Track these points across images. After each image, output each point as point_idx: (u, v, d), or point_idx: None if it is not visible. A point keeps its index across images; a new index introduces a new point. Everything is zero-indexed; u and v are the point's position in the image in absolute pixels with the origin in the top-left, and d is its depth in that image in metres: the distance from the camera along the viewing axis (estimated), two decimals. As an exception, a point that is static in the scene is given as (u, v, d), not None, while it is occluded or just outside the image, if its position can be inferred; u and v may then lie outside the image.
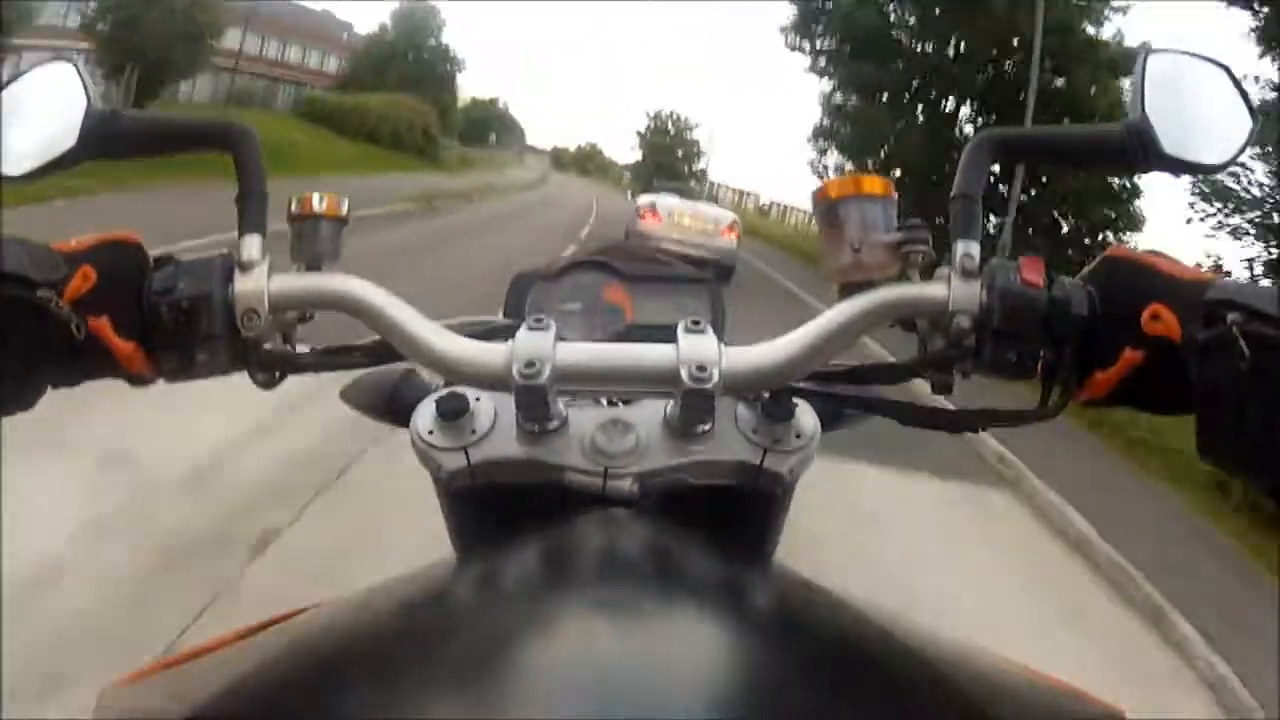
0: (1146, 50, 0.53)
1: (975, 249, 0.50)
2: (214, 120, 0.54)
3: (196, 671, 0.42)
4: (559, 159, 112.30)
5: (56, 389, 0.49)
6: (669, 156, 74.23)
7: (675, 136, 76.58)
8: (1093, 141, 0.54)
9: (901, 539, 3.73)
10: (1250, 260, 8.16)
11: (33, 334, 0.45)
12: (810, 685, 0.33)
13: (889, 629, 0.43)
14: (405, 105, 28.28)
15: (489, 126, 70.10)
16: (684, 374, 0.49)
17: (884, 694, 0.35)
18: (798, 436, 0.56)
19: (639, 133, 78.56)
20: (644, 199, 13.29)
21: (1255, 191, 8.05)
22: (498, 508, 0.55)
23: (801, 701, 0.32)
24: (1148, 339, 0.46)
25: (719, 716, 0.30)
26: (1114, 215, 14.75)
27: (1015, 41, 14.67)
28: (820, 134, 18.80)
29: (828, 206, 0.53)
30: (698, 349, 0.50)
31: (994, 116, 15.74)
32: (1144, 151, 0.51)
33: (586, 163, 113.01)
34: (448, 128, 36.04)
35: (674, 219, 12.20)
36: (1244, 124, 0.53)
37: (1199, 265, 0.49)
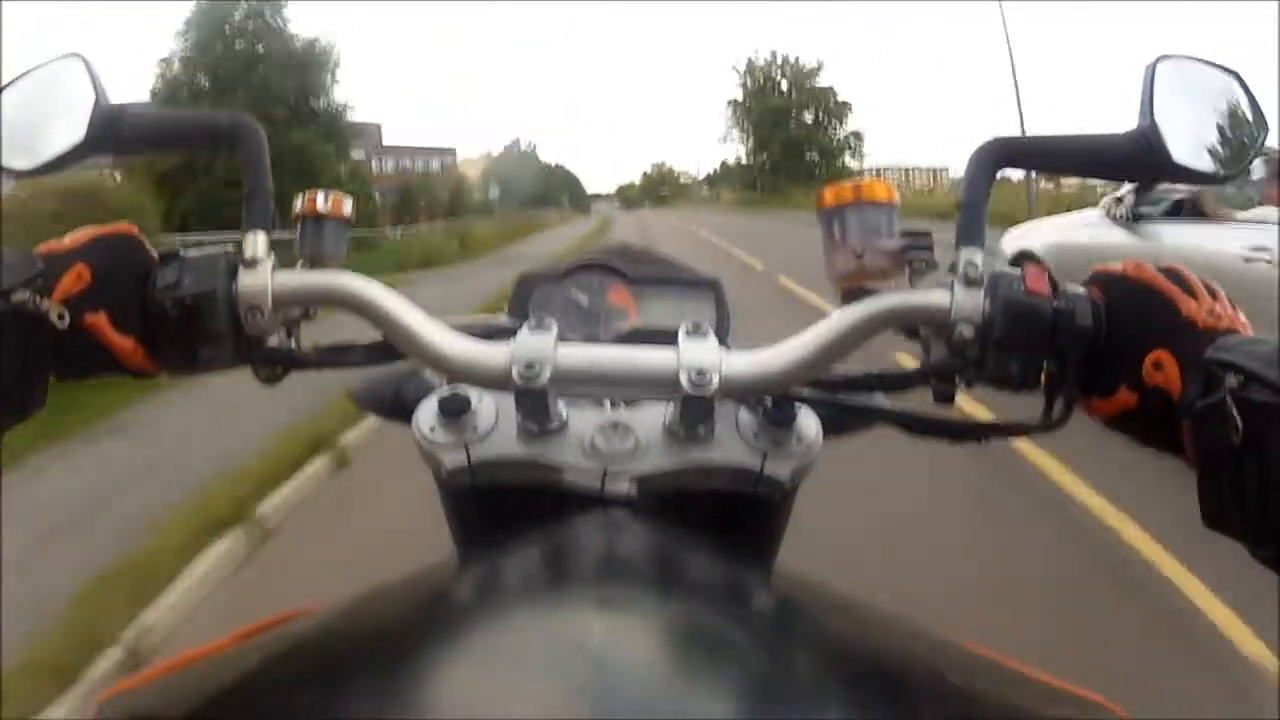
0: (1156, 56, 0.52)
1: (979, 256, 0.49)
2: (220, 116, 0.54)
3: (196, 675, 0.42)
4: (626, 196, 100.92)
5: (62, 381, 0.49)
6: (799, 129, 51.19)
7: (797, 92, 50.79)
8: (1100, 149, 0.52)
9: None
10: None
11: (19, 337, 0.46)
12: (807, 686, 0.34)
13: (887, 630, 0.44)
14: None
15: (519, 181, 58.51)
16: (683, 379, 0.49)
17: (883, 696, 0.35)
18: (798, 442, 0.56)
19: (734, 102, 54.03)
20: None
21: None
22: (497, 506, 0.55)
23: (799, 702, 0.32)
24: (1146, 386, 0.46)
25: (717, 717, 0.30)
26: None
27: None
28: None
29: (831, 212, 0.53)
30: (698, 354, 0.50)
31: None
32: (1153, 159, 0.50)
33: (659, 189, 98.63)
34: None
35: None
36: (1256, 132, 0.52)
37: (1218, 298, 0.47)
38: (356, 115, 25.19)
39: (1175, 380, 0.44)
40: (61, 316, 0.46)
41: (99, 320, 0.48)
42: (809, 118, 52.45)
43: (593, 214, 68.77)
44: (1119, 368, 0.47)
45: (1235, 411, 0.40)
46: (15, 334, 0.45)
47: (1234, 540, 0.43)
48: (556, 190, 74.74)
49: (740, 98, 54.97)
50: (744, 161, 56.33)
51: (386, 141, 51.52)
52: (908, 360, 0.55)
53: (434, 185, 44.67)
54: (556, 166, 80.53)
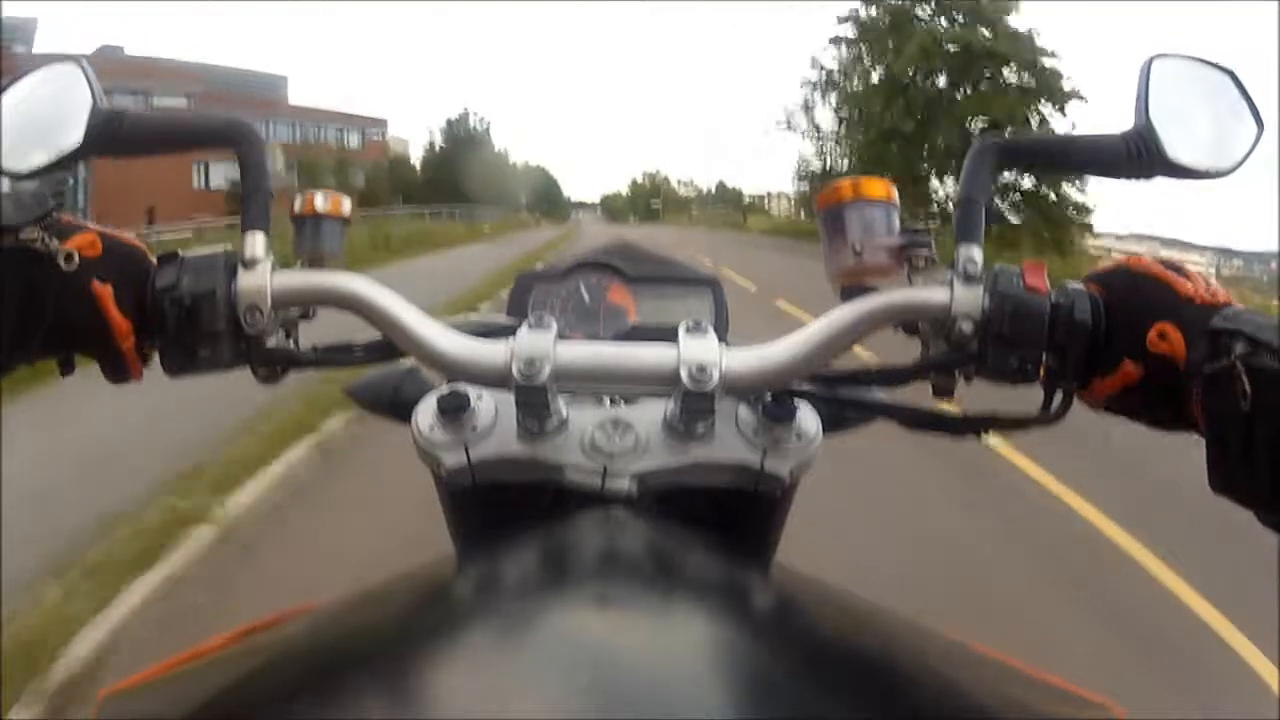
0: (1151, 55, 0.52)
1: (978, 252, 0.50)
2: (218, 118, 0.55)
3: (196, 674, 0.42)
4: (611, 206, 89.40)
5: (49, 349, 0.49)
6: (975, 99, 25.19)
7: (974, 36, 24.74)
8: (1096, 148, 0.53)
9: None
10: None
11: (27, 279, 0.46)
12: (807, 684, 0.34)
13: (888, 629, 0.44)
14: None
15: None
16: (684, 375, 0.49)
17: (882, 693, 0.35)
18: (798, 438, 0.56)
19: (858, 22, 28.53)
20: None
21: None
22: (497, 505, 0.55)
23: (798, 700, 0.32)
24: (1151, 355, 0.46)
25: (716, 715, 0.30)
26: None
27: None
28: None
29: (830, 210, 0.53)
30: (698, 350, 0.50)
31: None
32: (1147, 158, 0.50)
33: (650, 201, 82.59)
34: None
35: None
36: (1250, 130, 0.52)
37: (1214, 287, 0.48)
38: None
39: (1180, 346, 0.44)
40: (70, 258, 0.46)
41: (105, 291, 0.48)
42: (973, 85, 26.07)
43: (569, 224, 58.31)
44: (1121, 343, 0.47)
45: (1245, 377, 0.40)
46: (20, 274, 0.45)
47: (1242, 506, 0.43)
48: (511, 187, 58.56)
49: (867, 16, 28.82)
50: (816, 163, 32.27)
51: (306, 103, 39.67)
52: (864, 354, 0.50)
53: (319, 162, 32.81)
54: (535, 166, 70.20)
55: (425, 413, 0.56)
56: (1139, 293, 0.48)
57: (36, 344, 0.47)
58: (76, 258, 0.47)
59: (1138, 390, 0.47)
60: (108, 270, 0.48)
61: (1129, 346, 0.46)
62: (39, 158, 0.52)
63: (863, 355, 0.56)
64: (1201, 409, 0.43)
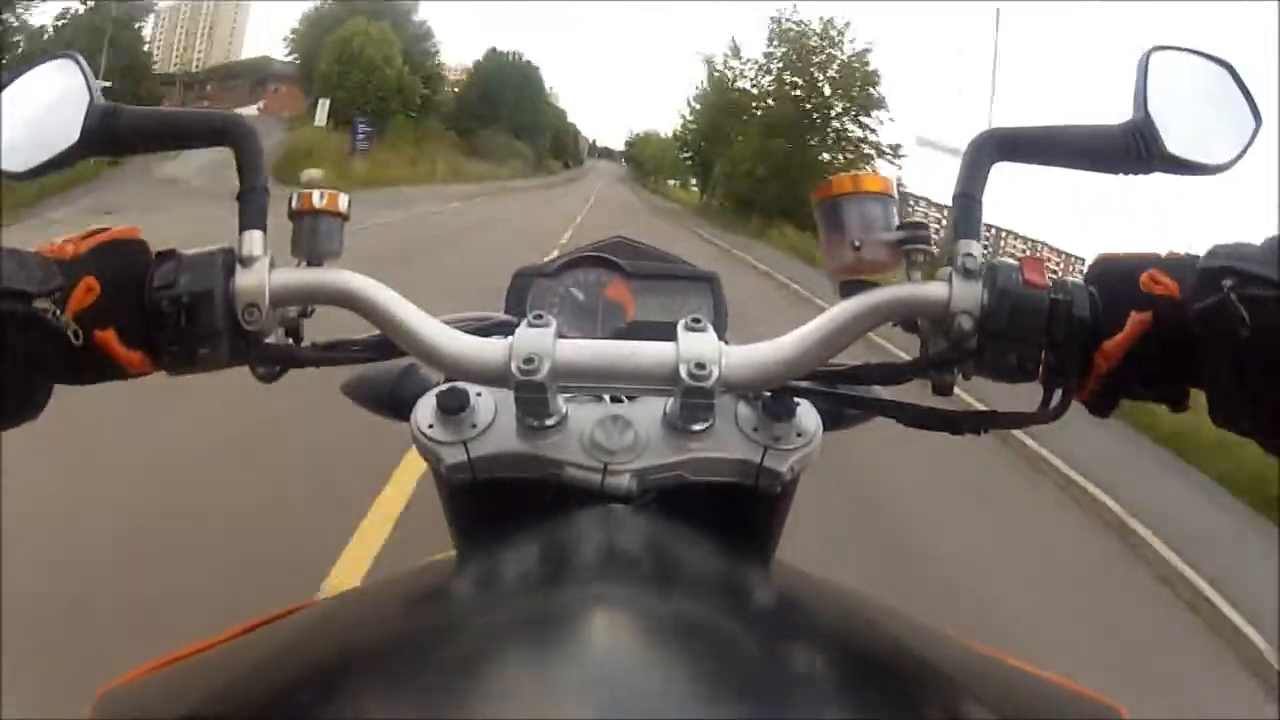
0: (1149, 47, 0.52)
1: (976, 248, 0.50)
2: (215, 115, 0.55)
3: (196, 671, 0.42)
4: (636, 157, 65.86)
5: (70, 385, 0.49)
6: None
7: None
8: (1094, 141, 0.52)
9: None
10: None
11: (32, 345, 0.46)
12: (807, 682, 0.34)
13: (889, 626, 0.43)
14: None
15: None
16: (683, 372, 0.50)
17: (884, 692, 0.35)
18: (798, 435, 0.56)
19: None
20: None
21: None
22: (497, 502, 0.55)
23: (799, 698, 0.32)
24: (1152, 298, 0.46)
25: (716, 714, 0.30)
26: None
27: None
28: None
29: (828, 205, 0.53)
30: (697, 347, 0.51)
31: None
32: (1146, 151, 0.50)
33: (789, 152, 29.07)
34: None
35: None
36: (1248, 123, 0.52)
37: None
38: None
39: (1173, 286, 0.45)
40: (77, 334, 0.46)
41: (108, 336, 0.48)
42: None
43: (586, 170, 43.81)
44: (1119, 302, 0.47)
45: (1241, 308, 0.40)
46: (28, 340, 0.45)
47: (1243, 436, 0.43)
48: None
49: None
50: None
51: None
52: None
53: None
54: (521, 61, 41.10)
55: (424, 410, 0.56)
56: (1121, 273, 0.48)
57: (42, 400, 0.48)
58: (82, 335, 0.47)
59: (1149, 340, 0.46)
60: (108, 311, 0.48)
61: (1127, 303, 0.46)
62: (36, 157, 0.52)
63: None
64: (1202, 341, 0.43)
